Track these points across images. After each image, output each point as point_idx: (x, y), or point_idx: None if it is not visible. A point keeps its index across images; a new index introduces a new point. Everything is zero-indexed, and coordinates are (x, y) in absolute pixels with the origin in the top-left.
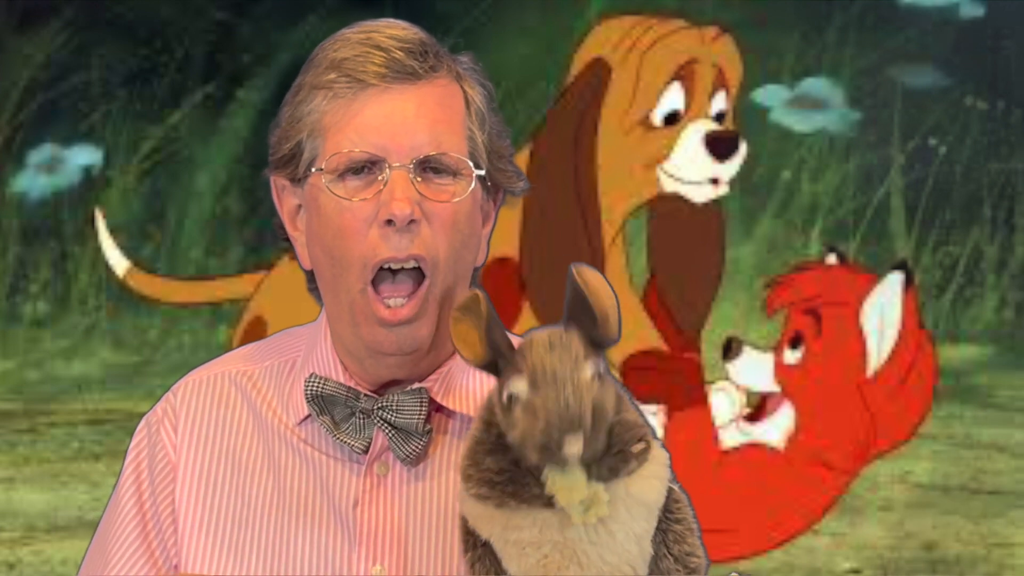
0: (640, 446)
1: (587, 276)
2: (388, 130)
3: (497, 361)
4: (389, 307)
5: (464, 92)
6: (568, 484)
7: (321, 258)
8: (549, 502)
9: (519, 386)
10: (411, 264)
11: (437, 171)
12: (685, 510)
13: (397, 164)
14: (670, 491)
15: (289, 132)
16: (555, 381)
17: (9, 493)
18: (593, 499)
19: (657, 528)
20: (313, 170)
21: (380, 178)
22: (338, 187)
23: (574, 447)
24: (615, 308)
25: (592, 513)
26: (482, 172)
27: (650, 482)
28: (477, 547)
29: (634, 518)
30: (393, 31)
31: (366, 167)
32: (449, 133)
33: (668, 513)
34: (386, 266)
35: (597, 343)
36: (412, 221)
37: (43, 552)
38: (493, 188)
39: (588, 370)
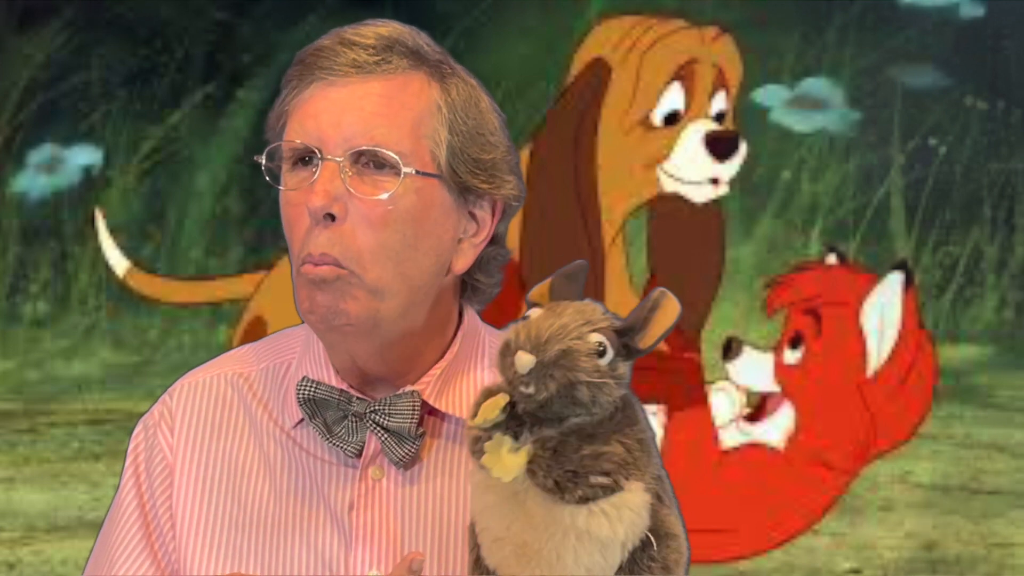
0: (600, 480)
1: (667, 299)
2: (325, 120)
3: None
4: (314, 263)
5: (438, 95)
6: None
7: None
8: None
9: (535, 311)
10: (327, 260)
11: (378, 166)
12: (659, 572)
13: (329, 156)
14: (647, 546)
15: (270, 122)
16: (557, 316)
17: (9, 493)
18: (496, 445)
19: (617, 573)
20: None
21: (314, 169)
22: (285, 176)
23: (522, 360)
24: (666, 327)
25: (482, 414)
26: (440, 177)
27: (600, 519)
28: (473, 535)
29: (584, 548)
30: (373, 28)
31: (310, 157)
32: (389, 127)
33: (635, 565)
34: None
35: (627, 347)
36: (331, 216)
37: (43, 552)
38: (478, 196)
39: (593, 337)
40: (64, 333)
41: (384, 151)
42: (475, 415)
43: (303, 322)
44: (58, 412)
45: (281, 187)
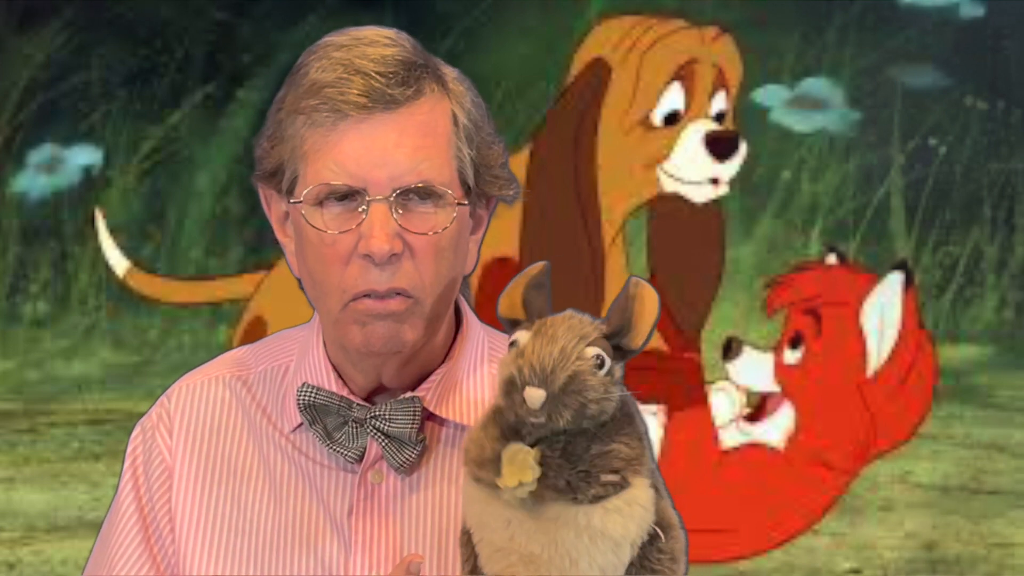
0: (611, 477)
1: (643, 289)
2: (367, 161)
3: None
4: (379, 298)
5: (452, 109)
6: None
7: (305, 276)
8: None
9: (524, 336)
10: (393, 294)
11: (422, 198)
12: (668, 564)
13: (377, 197)
14: (655, 539)
15: (271, 149)
16: (551, 340)
17: (9, 493)
18: (515, 457)
19: (628, 571)
20: (294, 197)
21: (360, 210)
22: (317, 216)
23: (533, 396)
24: (652, 322)
25: (514, 476)
26: (466, 195)
27: (615, 516)
28: (468, 544)
29: (597, 549)
30: (376, 50)
31: (347, 196)
32: (432, 159)
33: (645, 560)
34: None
35: (620, 348)
36: (392, 255)
37: (43, 552)
38: (484, 196)
39: (589, 351)
40: (64, 333)
41: (434, 186)
42: (474, 458)
43: (302, 323)
44: (58, 412)
45: (322, 228)
